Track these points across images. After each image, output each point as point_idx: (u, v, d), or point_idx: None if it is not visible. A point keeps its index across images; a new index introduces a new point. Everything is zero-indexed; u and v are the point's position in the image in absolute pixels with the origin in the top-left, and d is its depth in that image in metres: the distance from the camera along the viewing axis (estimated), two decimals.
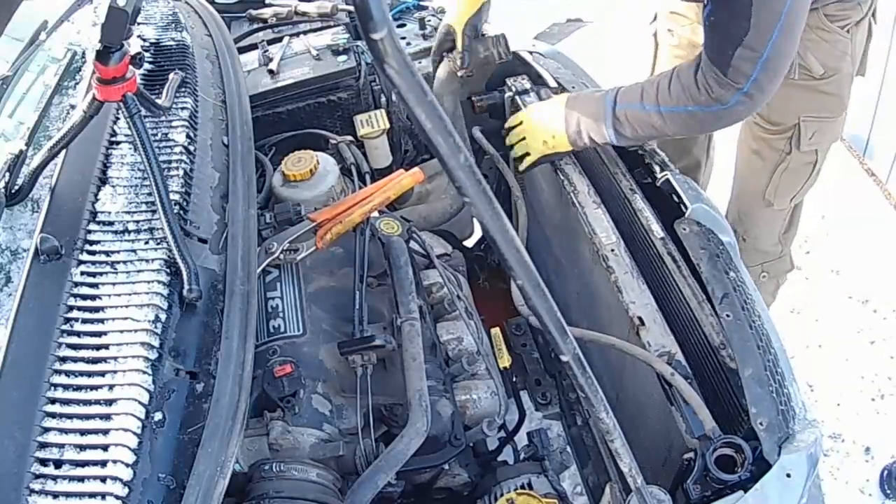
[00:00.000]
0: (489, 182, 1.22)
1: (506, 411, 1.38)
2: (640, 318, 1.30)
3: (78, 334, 0.98)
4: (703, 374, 1.24)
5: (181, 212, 1.19)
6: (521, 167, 1.63)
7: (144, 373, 0.95)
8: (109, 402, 0.91)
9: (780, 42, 1.28)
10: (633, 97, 1.45)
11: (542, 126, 1.56)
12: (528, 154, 1.60)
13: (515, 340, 1.79)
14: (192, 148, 1.31)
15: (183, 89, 1.40)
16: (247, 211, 1.26)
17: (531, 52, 1.90)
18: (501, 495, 1.24)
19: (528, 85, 1.82)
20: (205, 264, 1.15)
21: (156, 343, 0.99)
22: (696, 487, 1.06)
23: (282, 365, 1.20)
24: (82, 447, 0.87)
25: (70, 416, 0.90)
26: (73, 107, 1.36)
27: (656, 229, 1.41)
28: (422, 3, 2.07)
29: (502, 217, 0.66)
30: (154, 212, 1.13)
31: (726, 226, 1.41)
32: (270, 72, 1.85)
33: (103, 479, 0.85)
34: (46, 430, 0.88)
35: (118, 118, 1.31)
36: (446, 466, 1.28)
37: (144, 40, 1.53)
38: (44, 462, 0.86)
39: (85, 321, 0.99)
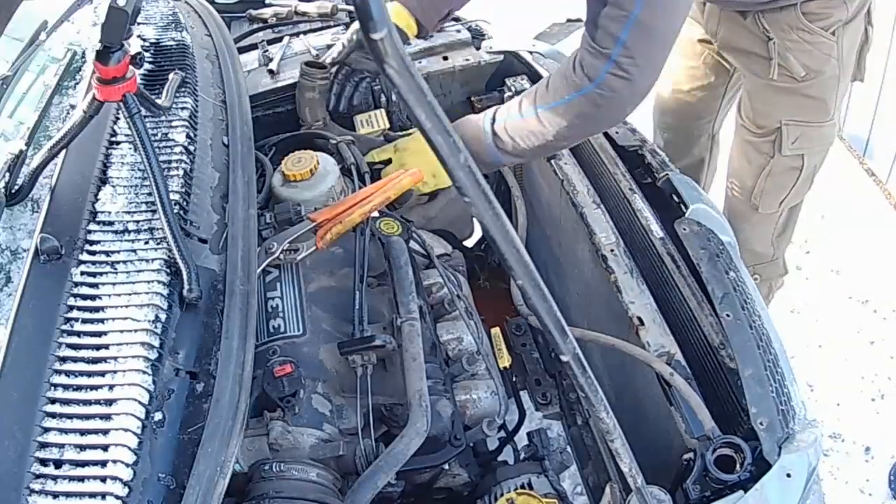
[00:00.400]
0: (489, 182, 1.22)
1: (506, 411, 1.38)
2: (639, 318, 1.30)
3: (78, 334, 0.98)
4: (703, 374, 1.24)
5: (181, 212, 1.19)
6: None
7: (144, 373, 0.95)
8: (109, 402, 0.91)
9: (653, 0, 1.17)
10: (511, 108, 1.39)
11: (421, 162, 1.48)
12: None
13: (515, 340, 1.79)
14: (192, 148, 1.31)
15: (183, 89, 1.40)
16: (247, 211, 1.25)
17: (531, 52, 1.90)
18: (501, 495, 1.24)
19: (527, 85, 1.82)
20: (205, 264, 1.15)
21: (156, 343, 0.99)
22: (696, 487, 1.06)
23: (282, 365, 1.19)
24: (82, 447, 0.87)
25: (70, 416, 0.90)
26: (73, 107, 1.36)
27: (656, 229, 1.41)
28: None
29: (502, 217, 0.66)
30: (154, 212, 1.13)
31: (726, 226, 1.41)
32: (270, 72, 1.85)
33: (103, 479, 0.85)
34: (46, 430, 0.88)
35: (118, 118, 1.30)
36: (446, 466, 1.28)
37: (144, 40, 1.53)
38: (44, 462, 0.85)
39: (85, 321, 0.99)
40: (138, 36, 1.53)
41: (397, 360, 1.26)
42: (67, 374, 0.94)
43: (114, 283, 1.05)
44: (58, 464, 0.86)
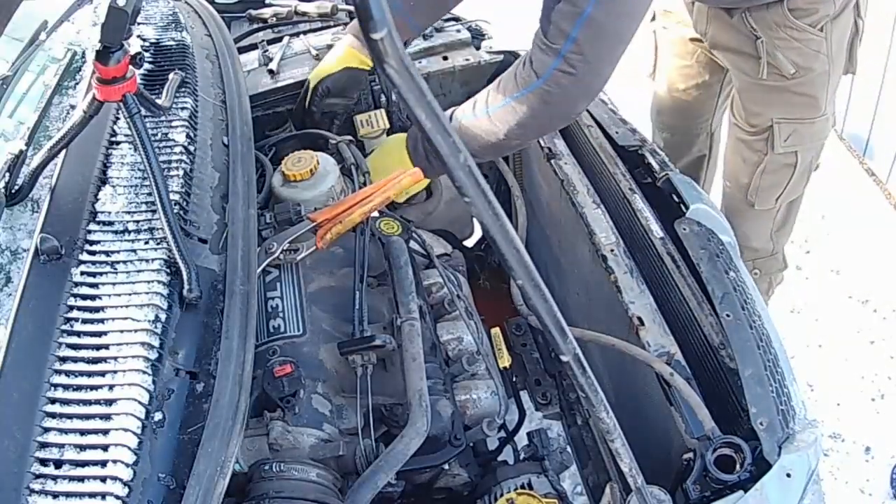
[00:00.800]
0: (489, 182, 1.22)
1: (506, 411, 1.38)
2: (639, 318, 1.30)
3: (78, 334, 0.98)
4: (703, 374, 1.24)
5: (181, 212, 1.19)
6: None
7: (144, 373, 0.95)
8: (109, 402, 0.91)
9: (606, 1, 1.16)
10: (466, 108, 1.38)
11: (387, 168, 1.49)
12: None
13: (515, 340, 1.79)
14: (192, 148, 1.31)
15: (183, 89, 1.40)
16: (247, 211, 1.25)
17: None
18: (501, 495, 1.24)
19: None
20: (205, 264, 1.15)
21: (156, 343, 0.99)
22: (696, 487, 1.06)
23: (282, 365, 1.19)
24: (82, 447, 0.87)
25: (70, 416, 0.89)
26: (73, 107, 1.36)
27: (656, 229, 1.41)
28: None
29: (502, 217, 0.66)
30: (154, 212, 1.13)
31: (726, 226, 1.41)
32: (270, 72, 1.85)
33: (103, 479, 0.85)
34: (46, 430, 0.88)
35: (118, 118, 1.30)
36: (446, 466, 1.28)
37: (144, 40, 1.53)
38: (44, 462, 0.85)
39: (85, 321, 0.99)
40: (138, 36, 1.53)
41: (397, 360, 1.26)
42: (67, 374, 0.94)
43: (114, 283, 1.05)
44: (58, 464, 0.86)
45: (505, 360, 1.51)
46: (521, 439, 1.43)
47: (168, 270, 1.08)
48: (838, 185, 2.94)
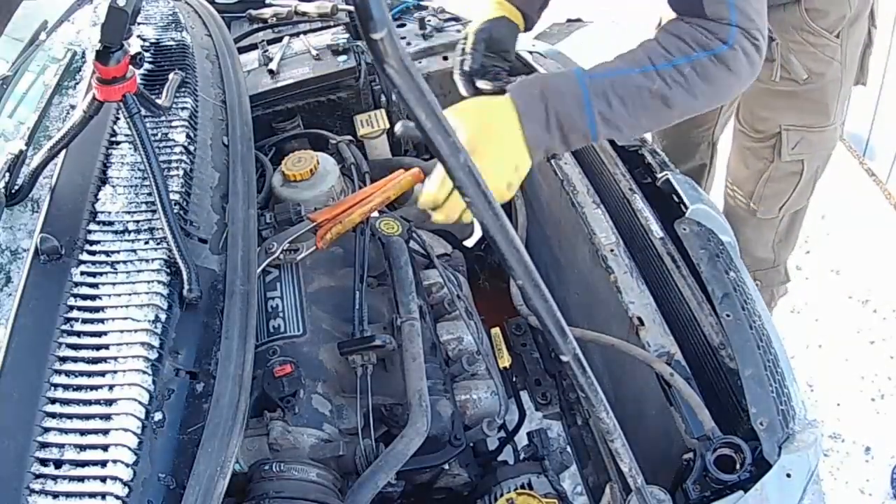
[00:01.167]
0: None
1: (506, 411, 1.38)
2: (639, 318, 1.30)
3: (78, 334, 0.98)
4: (703, 374, 1.24)
5: (181, 212, 1.19)
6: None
7: (144, 373, 0.95)
8: (109, 402, 0.91)
9: None
10: (605, 67, 1.15)
11: (501, 168, 1.14)
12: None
13: (515, 340, 1.79)
14: (192, 148, 1.31)
15: (183, 89, 1.40)
16: (247, 211, 1.26)
17: (531, 52, 1.90)
18: (501, 495, 1.24)
19: None
20: (205, 264, 1.15)
21: (156, 343, 0.99)
22: (696, 488, 1.06)
23: (282, 365, 1.20)
24: (82, 447, 0.87)
25: (70, 416, 0.90)
26: (73, 107, 1.36)
27: (656, 229, 1.41)
28: (422, 3, 2.07)
29: (502, 217, 0.66)
30: (154, 212, 1.13)
31: (726, 226, 1.41)
32: (270, 72, 1.85)
33: (103, 479, 0.85)
34: (46, 430, 0.88)
35: (118, 118, 1.31)
36: (446, 466, 1.28)
37: (144, 40, 1.53)
38: (44, 462, 0.85)
39: (85, 321, 0.99)
40: (138, 36, 1.53)
41: (397, 360, 1.26)
42: (67, 374, 0.94)
43: (114, 283, 1.05)
44: (58, 464, 0.86)
45: (505, 360, 1.52)
46: (521, 439, 1.43)
47: (168, 270, 1.08)
48: (838, 185, 2.94)
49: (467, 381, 1.40)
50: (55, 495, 0.83)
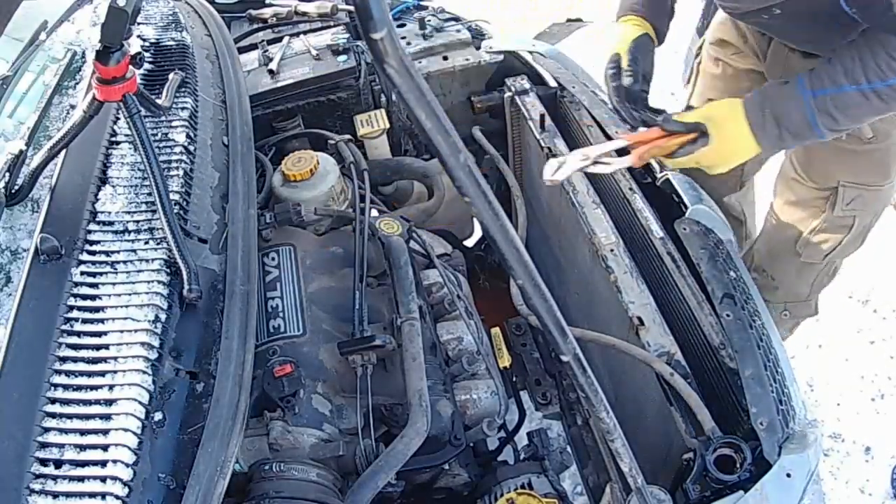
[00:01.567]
0: (489, 182, 1.22)
1: (506, 411, 1.38)
2: (639, 318, 1.30)
3: (78, 334, 0.98)
4: (703, 374, 1.24)
5: (181, 212, 1.19)
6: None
7: (144, 373, 0.95)
8: (109, 402, 0.91)
9: None
10: (826, 82, 1.27)
11: (731, 156, 1.37)
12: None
13: (515, 340, 1.80)
14: (192, 148, 1.31)
15: (183, 89, 1.40)
16: (247, 211, 1.26)
17: (531, 52, 1.90)
18: (501, 495, 1.24)
19: (527, 85, 1.82)
20: (205, 264, 1.15)
21: (156, 343, 0.99)
22: (696, 487, 1.06)
23: (282, 365, 1.20)
24: (82, 447, 0.87)
25: (70, 416, 0.90)
26: (73, 107, 1.36)
27: (656, 229, 1.41)
28: (422, 3, 2.07)
29: (502, 217, 0.66)
30: (154, 212, 1.13)
31: (727, 226, 1.41)
32: (270, 72, 1.85)
33: (103, 479, 0.85)
34: (46, 430, 0.88)
35: (118, 118, 1.31)
36: (446, 466, 1.28)
37: (144, 40, 1.53)
38: (44, 462, 0.86)
39: (85, 321, 0.99)
40: (138, 36, 1.53)
41: (397, 360, 1.26)
42: (67, 374, 0.94)
43: (114, 283, 1.05)
44: (58, 464, 0.86)
45: (505, 360, 1.52)
46: (521, 439, 1.43)
47: (168, 270, 1.08)
48: None
49: (467, 381, 1.40)
50: (55, 495, 0.83)
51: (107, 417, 0.90)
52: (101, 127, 1.27)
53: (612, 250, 1.42)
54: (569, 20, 2.51)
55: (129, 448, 0.88)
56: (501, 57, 1.91)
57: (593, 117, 1.68)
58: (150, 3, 1.71)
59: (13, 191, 1.16)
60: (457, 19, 2.03)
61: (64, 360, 0.95)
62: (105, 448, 0.87)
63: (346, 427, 1.21)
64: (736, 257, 1.33)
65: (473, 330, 1.44)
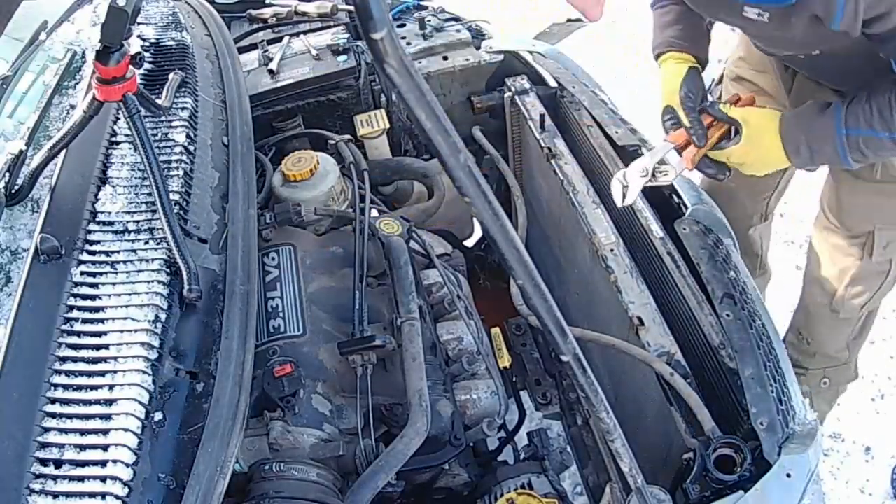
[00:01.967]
0: (489, 182, 1.22)
1: (506, 411, 1.38)
2: (639, 318, 1.30)
3: (78, 334, 0.98)
4: (703, 374, 1.24)
5: (181, 212, 1.19)
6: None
7: (144, 373, 0.95)
8: (109, 402, 0.91)
9: None
10: (861, 124, 1.30)
11: (759, 162, 1.41)
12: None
13: (515, 340, 1.80)
14: (192, 148, 1.31)
15: (183, 89, 1.40)
16: (247, 211, 1.26)
17: (531, 52, 1.90)
18: (501, 495, 1.24)
19: (527, 85, 1.82)
20: (205, 264, 1.15)
21: (156, 343, 0.99)
22: (696, 487, 1.06)
23: (282, 365, 1.20)
24: (82, 447, 0.87)
25: (70, 416, 0.90)
26: (73, 107, 1.36)
27: (656, 229, 1.41)
28: (422, 3, 2.07)
29: (502, 217, 0.66)
30: (154, 212, 1.13)
31: (727, 226, 1.41)
32: (270, 72, 1.85)
33: (103, 479, 0.85)
34: (46, 430, 0.88)
35: (118, 118, 1.31)
36: (446, 466, 1.28)
37: (144, 40, 1.53)
38: (44, 462, 0.86)
39: (85, 321, 0.99)
40: (138, 36, 1.53)
41: (397, 360, 1.26)
42: (67, 374, 0.94)
43: (114, 283, 1.05)
44: (58, 464, 0.86)
45: (505, 360, 1.52)
46: (521, 439, 1.43)
47: (168, 270, 1.08)
48: None
49: (467, 381, 1.40)
50: (55, 495, 0.83)
51: (107, 417, 0.90)
52: (101, 127, 1.27)
53: (612, 250, 1.42)
54: (569, 20, 2.51)
55: (129, 448, 0.88)
56: (501, 57, 1.91)
57: (593, 117, 1.68)
58: (150, 3, 1.71)
59: (13, 191, 1.16)
60: (457, 19, 2.03)
61: (64, 360, 0.95)
62: (105, 448, 0.87)
63: (346, 427, 1.21)
64: (736, 257, 1.33)
65: (473, 330, 1.44)
